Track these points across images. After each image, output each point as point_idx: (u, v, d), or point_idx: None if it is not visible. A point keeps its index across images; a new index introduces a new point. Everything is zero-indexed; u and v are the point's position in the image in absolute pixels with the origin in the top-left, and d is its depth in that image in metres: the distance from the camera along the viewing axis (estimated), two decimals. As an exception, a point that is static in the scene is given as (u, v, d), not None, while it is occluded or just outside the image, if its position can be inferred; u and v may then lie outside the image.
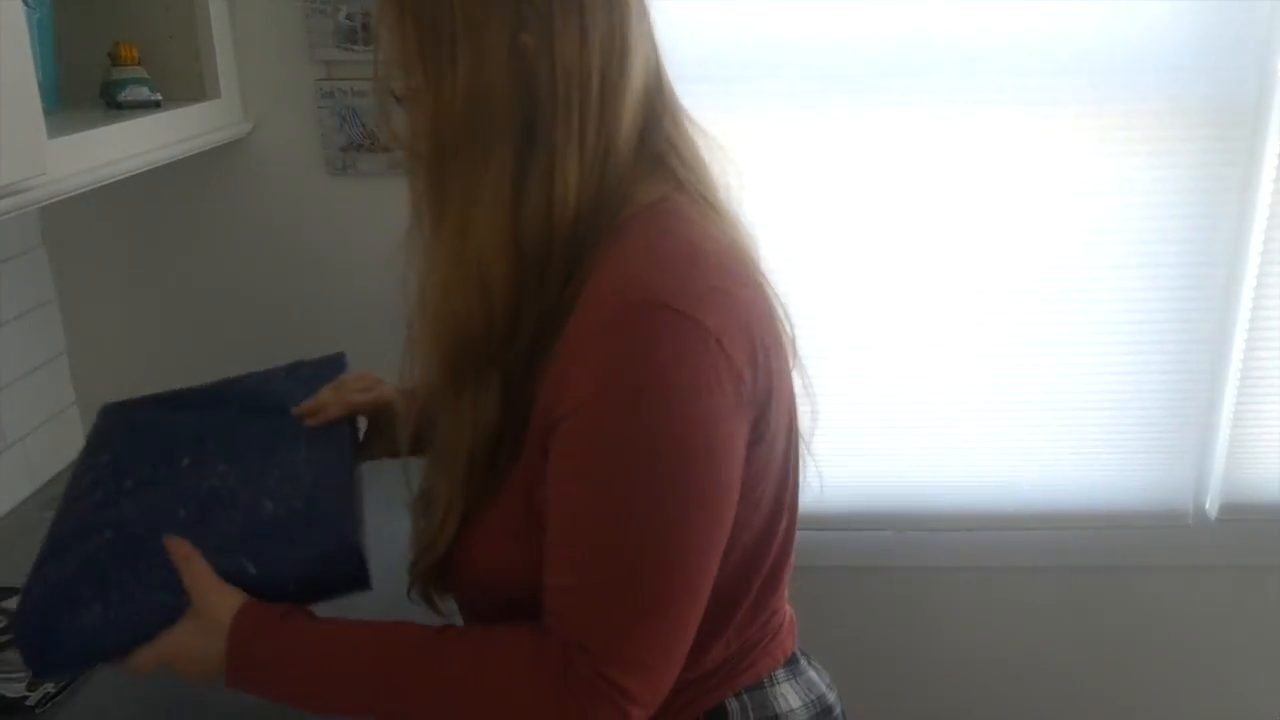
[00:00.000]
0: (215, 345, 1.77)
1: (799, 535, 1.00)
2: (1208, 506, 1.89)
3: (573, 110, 0.84)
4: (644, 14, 0.89)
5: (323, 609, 0.96)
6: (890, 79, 1.64)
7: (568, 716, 0.83)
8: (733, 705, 0.98)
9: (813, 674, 1.07)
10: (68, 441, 1.78)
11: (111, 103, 1.40)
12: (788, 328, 0.94)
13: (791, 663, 1.04)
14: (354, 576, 0.98)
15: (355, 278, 1.72)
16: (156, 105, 1.42)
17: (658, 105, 0.91)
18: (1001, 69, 1.63)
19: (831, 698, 1.07)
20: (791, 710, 1.01)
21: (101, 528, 1.00)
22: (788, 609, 1.06)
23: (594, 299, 0.83)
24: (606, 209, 0.87)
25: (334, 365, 1.26)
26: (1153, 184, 1.69)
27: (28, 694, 1.17)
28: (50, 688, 1.18)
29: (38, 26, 1.25)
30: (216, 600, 0.92)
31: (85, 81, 1.43)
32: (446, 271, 0.88)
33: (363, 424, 1.20)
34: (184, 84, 1.53)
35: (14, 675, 1.20)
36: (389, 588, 1.01)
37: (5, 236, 1.61)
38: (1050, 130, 1.66)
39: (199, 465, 1.07)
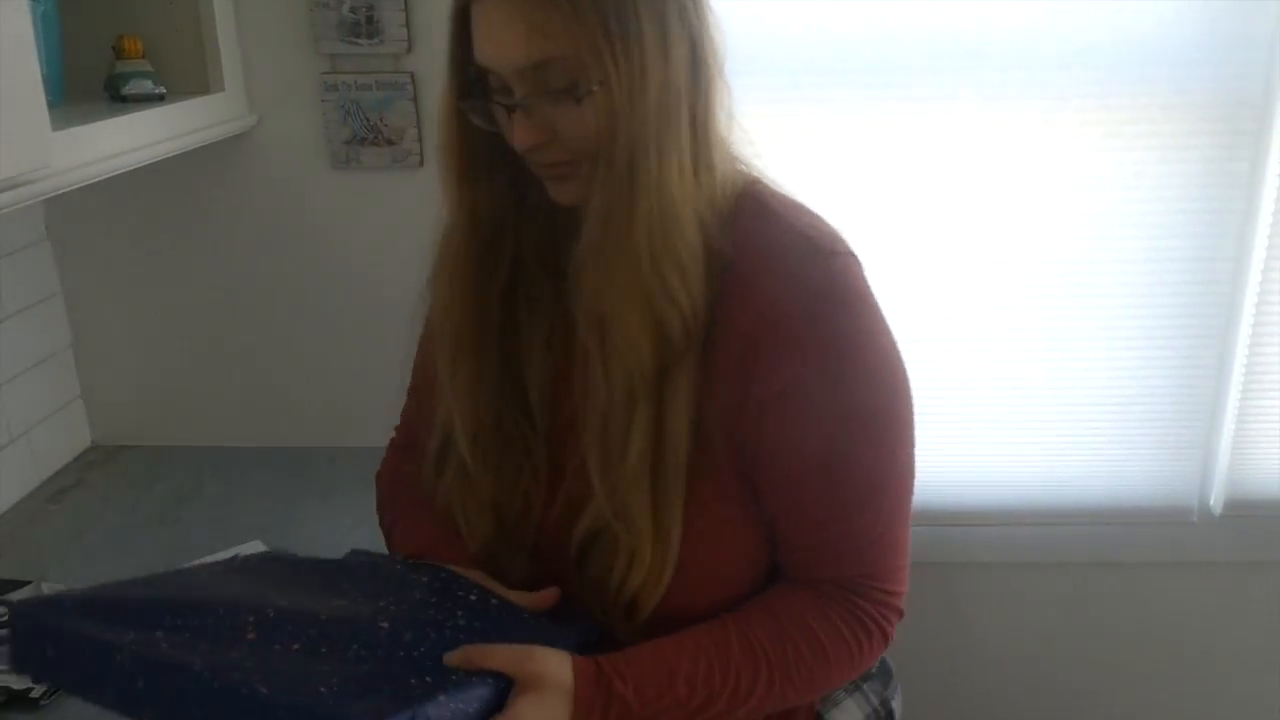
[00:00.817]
0: (219, 338, 1.77)
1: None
2: (1212, 502, 1.88)
3: (716, 79, 0.88)
4: None
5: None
6: (895, 74, 1.63)
7: (871, 638, 0.94)
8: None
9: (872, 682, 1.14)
10: (72, 435, 1.78)
11: (115, 96, 1.40)
12: None
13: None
14: None
15: (358, 270, 1.72)
16: (160, 98, 1.41)
17: None
18: (1008, 63, 1.62)
19: (883, 693, 1.13)
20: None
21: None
22: None
23: (779, 264, 0.88)
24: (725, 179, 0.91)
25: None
26: (1160, 179, 1.68)
27: (33, 687, 1.18)
28: None
29: (42, 19, 1.25)
30: (543, 666, 0.83)
31: (89, 75, 1.44)
32: (653, 263, 0.84)
33: None
34: (188, 77, 1.53)
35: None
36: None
37: (9, 230, 1.61)
38: (1057, 125, 1.65)
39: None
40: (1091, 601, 1.95)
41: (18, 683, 1.18)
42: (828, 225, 0.92)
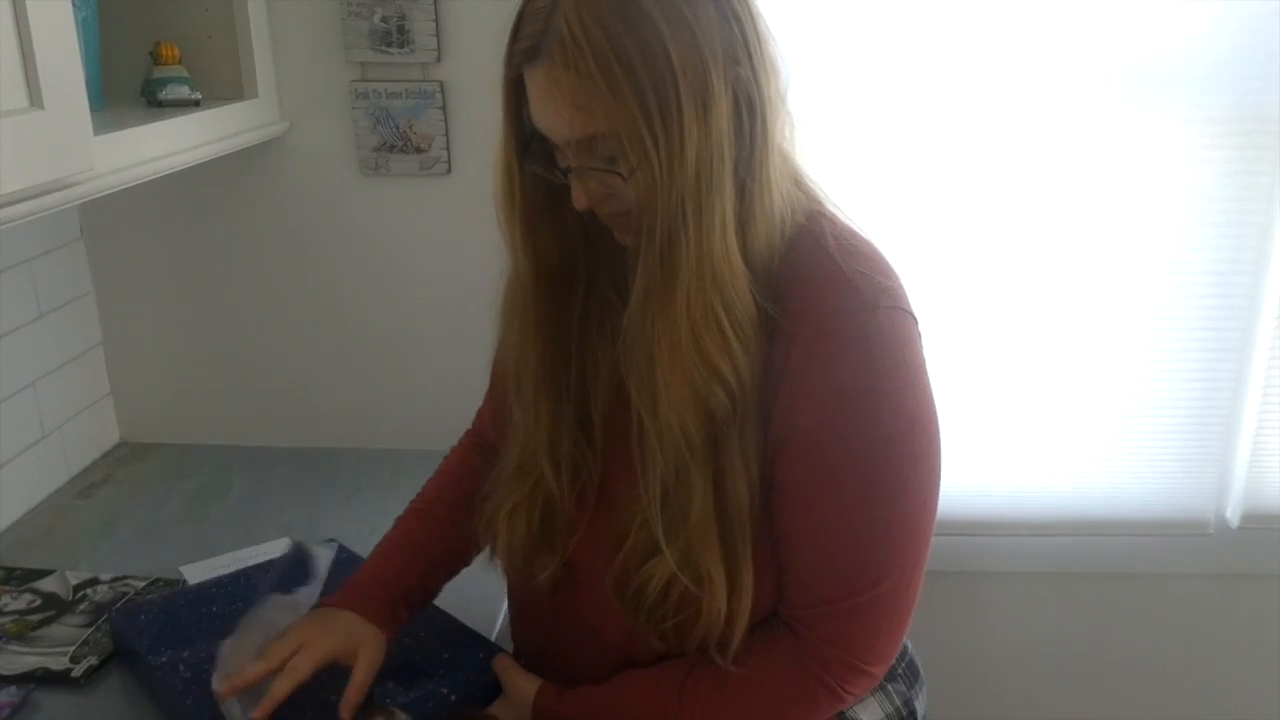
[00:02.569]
0: (247, 339, 1.80)
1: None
2: (1229, 515, 1.88)
3: (775, 121, 0.87)
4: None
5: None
6: (922, 89, 1.65)
7: (833, 697, 0.94)
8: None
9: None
10: (103, 431, 1.81)
11: (152, 101, 1.42)
12: None
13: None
14: None
15: (385, 275, 1.74)
16: (196, 104, 1.44)
17: None
18: (1030, 77, 1.63)
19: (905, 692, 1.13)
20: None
21: None
22: None
23: (821, 311, 0.87)
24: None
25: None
26: (1180, 192, 1.69)
27: (72, 666, 1.21)
28: (93, 660, 1.22)
29: (83, 26, 1.28)
30: (521, 685, 1.05)
31: (127, 80, 1.46)
32: (697, 336, 0.84)
33: None
34: (223, 83, 1.56)
35: (56, 649, 1.24)
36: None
37: (46, 230, 1.64)
38: (1078, 139, 1.67)
39: None
40: (1108, 612, 1.96)
41: (56, 663, 1.22)
42: (880, 273, 0.90)
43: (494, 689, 1.09)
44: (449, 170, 1.68)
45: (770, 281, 0.88)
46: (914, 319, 0.91)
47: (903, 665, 1.09)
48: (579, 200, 0.88)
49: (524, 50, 0.84)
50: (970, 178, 1.70)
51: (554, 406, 0.99)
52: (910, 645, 1.10)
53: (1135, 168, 1.68)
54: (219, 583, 1.28)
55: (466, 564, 1.17)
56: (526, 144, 0.90)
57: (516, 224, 0.94)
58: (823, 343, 0.86)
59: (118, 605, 1.31)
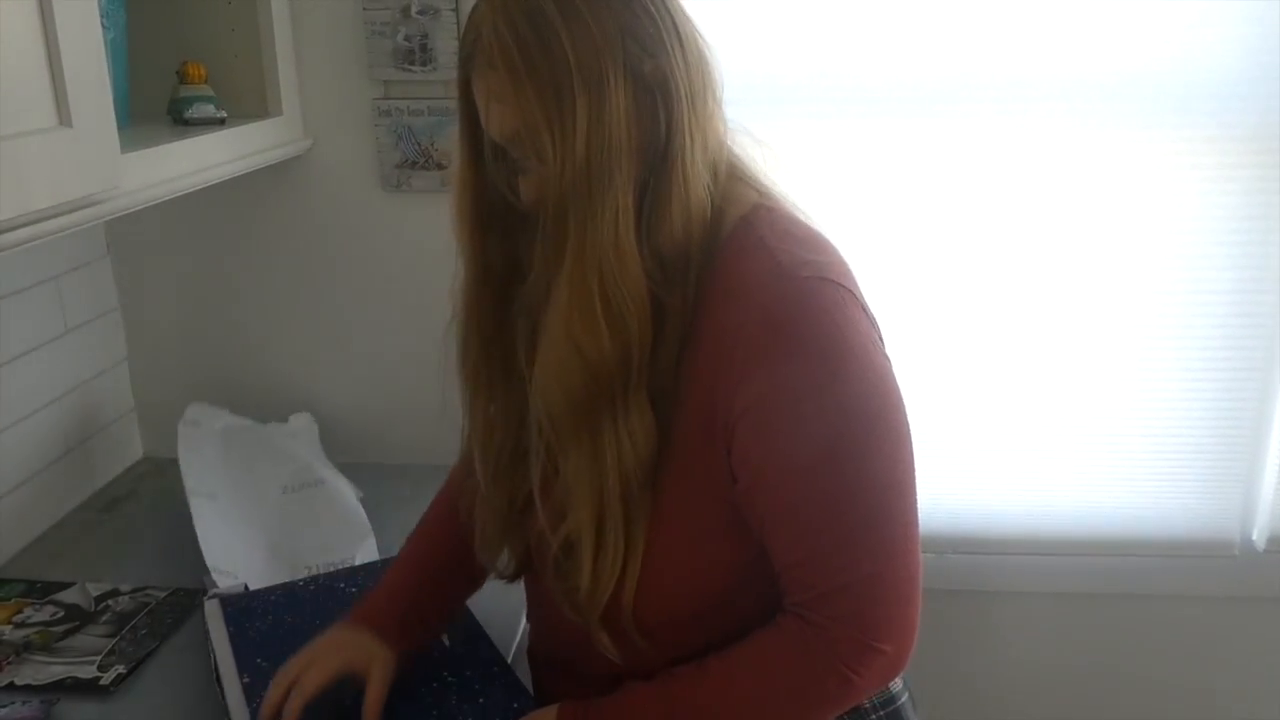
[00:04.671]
0: (269, 355, 1.82)
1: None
2: (1255, 537, 1.87)
3: (692, 119, 0.89)
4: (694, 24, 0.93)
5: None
6: (938, 103, 1.65)
7: (845, 683, 0.92)
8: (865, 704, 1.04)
9: None
10: (127, 446, 1.83)
11: (179, 119, 1.44)
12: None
13: None
14: None
15: (408, 290, 1.76)
16: (221, 122, 1.46)
17: None
18: (1050, 94, 1.63)
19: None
20: (900, 689, 1.08)
21: None
22: None
23: (746, 289, 0.89)
24: (717, 211, 0.93)
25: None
26: (1202, 211, 1.68)
27: (100, 674, 1.22)
28: (121, 668, 1.24)
29: (111, 46, 1.30)
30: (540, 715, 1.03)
31: (154, 99, 1.48)
32: (569, 313, 0.88)
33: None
34: (248, 102, 1.58)
35: (83, 659, 1.26)
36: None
37: (73, 247, 1.66)
38: (1099, 156, 1.66)
39: None
40: (1130, 634, 1.94)
41: (84, 671, 1.23)
42: (811, 250, 0.92)
43: None
44: (470, 188, 1.69)
45: (684, 271, 0.90)
46: (846, 290, 0.91)
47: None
48: (525, 195, 0.93)
49: (462, 58, 0.92)
50: (991, 195, 1.69)
51: (487, 403, 1.04)
52: (906, 692, 1.09)
53: (1158, 186, 1.67)
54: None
55: (481, 576, 1.18)
56: (484, 150, 0.95)
57: (466, 232, 0.99)
58: (749, 322, 0.88)
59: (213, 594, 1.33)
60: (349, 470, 1.78)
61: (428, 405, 1.78)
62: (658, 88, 0.87)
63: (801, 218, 0.98)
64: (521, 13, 0.85)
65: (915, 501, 0.92)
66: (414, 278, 1.75)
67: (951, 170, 1.68)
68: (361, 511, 1.54)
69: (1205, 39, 1.59)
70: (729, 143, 0.98)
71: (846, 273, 0.94)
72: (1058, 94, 1.63)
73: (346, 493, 1.58)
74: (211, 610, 1.26)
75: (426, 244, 1.73)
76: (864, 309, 0.92)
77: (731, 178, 0.97)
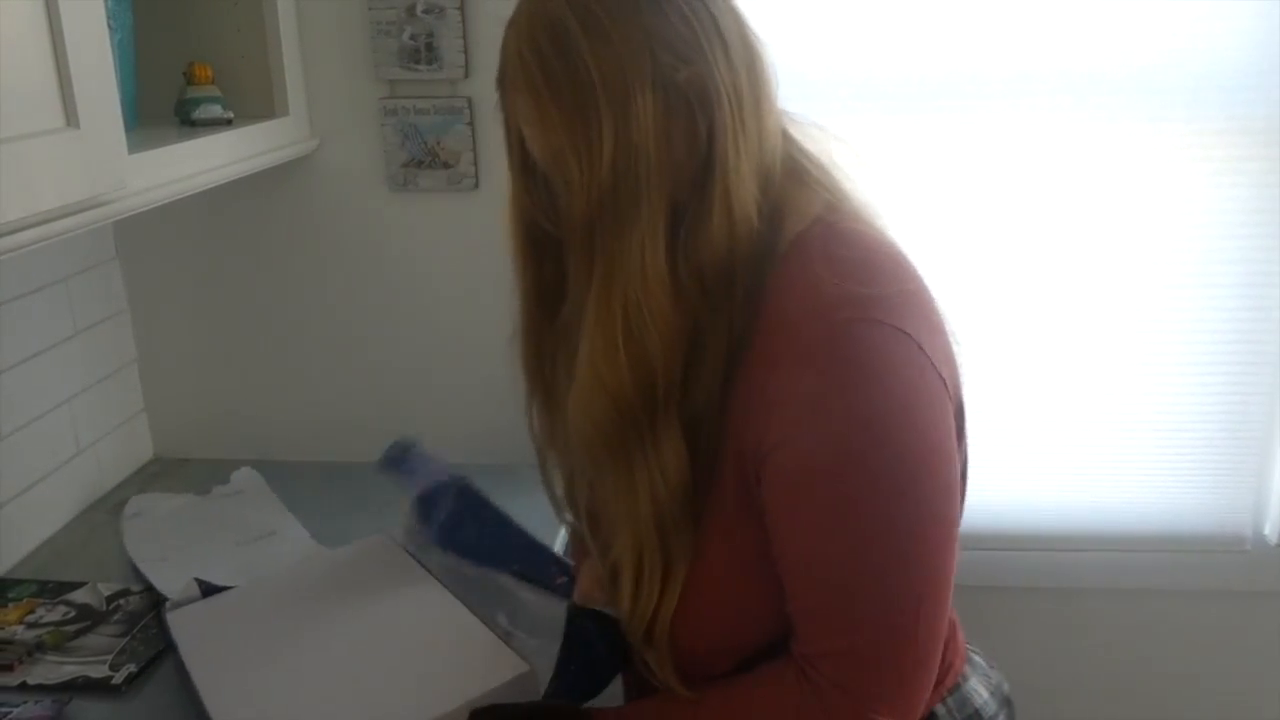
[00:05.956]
0: (279, 354, 1.82)
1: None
2: (1267, 531, 1.86)
3: (738, 125, 0.84)
4: (746, 18, 0.89)
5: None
6: (946, 97, 1.64)
7: None
8: (941, 711, 1.00)
9: (981, 661, 1.09)
10: (136, 447, 1.83)
11: (186, 120, 1.45)
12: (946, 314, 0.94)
13: (969, 658, 1.07)
14: None
15: (414, 290, 1.76)
16: (228, 123, 1.46)
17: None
18: (1059, 87, 1.63)
19: (998, 677, 1.09)
20: (985, 702, 1.04)
21: None
22: None
23: (793, 323, 0.84)
24: (772, 223, 0.88)
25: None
26: (1212, 203, 1.67)
27: (112, 674, 1.23)
28: (133, 668, 1.24)
29: (118, 47, 1.30)
30: None
31: (161, 100, 1.49)
32: (593, 341, 0.85)
33: None
34: (254, 102, 1.58)
35: (95, 658, 1.26)
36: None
37: (81, 249, 1.66)
38: (1108, 149, 1.66)
39: None
40: (1140, 630, 1.93)
41: (95, 671, 1.23)
42: (862, 282, 0.84)
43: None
44: (476, 185, 1.69)
45: (729, 290, 0.86)
46: (891, 329, 0.82)
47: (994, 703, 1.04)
48: (561, 217, 0.90)
49: (497, 80, 0.89)
50: (999, 187, 1.69)
51: (551, 418, 1.03)
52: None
53: (1167, 180, 1.67)
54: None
55: None
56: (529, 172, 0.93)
57: (517, 249, 0.97)
58: (784, 360, 0.83)
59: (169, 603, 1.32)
60: (349, 469, 1.78)
61: (438, 404, 1.80)
62: (695, 97, 0.82)
63: (869, 231, 0.91)
64: (544, 33, 0.82)
65: (940, 574, 0.85)
66: (421, 276, 1.75)
67: (959, 165, 1.68)
68: (322, 550, 1.51)
69: (1214, 32, 1.59)
70: (799, 138, 0.93)
71: (900, 305, 0.84)
72: (1066, 87, 1.63)
73: (302, 537, 1.55)
74: (175, 620, 1.25)
75: (433, 243, 1.73)
76: (919, 347, 0.83)
77: (794, 182, 0.91)
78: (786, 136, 0.92)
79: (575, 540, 1.13)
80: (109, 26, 1.09)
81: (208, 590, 1.29)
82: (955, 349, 0.91)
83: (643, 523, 0.89)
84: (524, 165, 0.92)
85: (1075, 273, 1.72)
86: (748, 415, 0.85)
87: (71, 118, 1.01)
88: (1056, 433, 1.81)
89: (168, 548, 1.51)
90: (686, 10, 0.83)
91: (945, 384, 0.85)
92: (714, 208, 0.84)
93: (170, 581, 1.37)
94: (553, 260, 0.96)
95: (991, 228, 1.71)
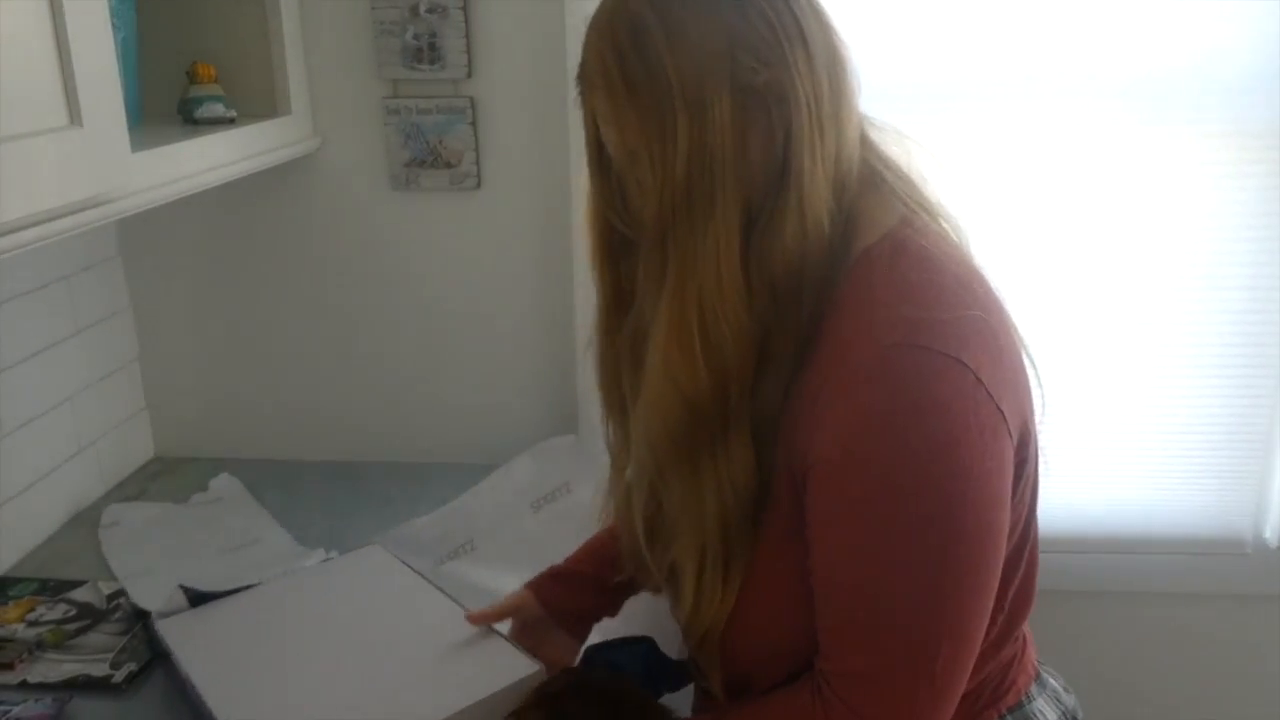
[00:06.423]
0: (280, 353, 1.82)
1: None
2: (1268, 535, 1.85)
3: (815, 130, 0.83)
4: (831, 19, 0.87)
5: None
6: (949, 100, 1.64)
7: None
8: None
9: (1054, 683, 1.08)
10: (138, 445, 1.84)
11: (189, 119, 1.45)
12: (1021, 336, 0.93)
13: (1039, 677, 1.05)
14: None
15: (416, 289, 1.76)
16: (231, 122, 1.46)
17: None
18: (1062, 91, 1.63)
19: (1072, 701, 1.08)
20: None
21: None
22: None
23: (846, 341, 0.82)
24: (845, 233, 0.87)
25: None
26: (1215, 207, 1.67)
27: (112, 672, 1.23)
28: (133, 666, 1.24)
29: (122, 46, 1.30)
30: None
31: (164, 98, 1.49)
32: (667, 344, 0.84)
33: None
34: (257, 101, 1.58)
35: (95, 656, 1.26)
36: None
37: (84, 247, 1.66)
38: (1113, 153, 1.66)
39: None
40: (1140, 631, 1.93)
41: (96, 669, 1.23)
42: (927, 310, 0.81)
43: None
44: (479, 185, 1.69)
45: (796, 298, 0.84)
46: (946, 358, 0.79)
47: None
48: (636, 219, 0.89)
49: (576, 78, 0.88)
50: (1001, 191, 1.69)
51: (618, 428, 1.02)
52: None
53: (1171, 182, 1.66)
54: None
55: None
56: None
57: (595, 253, 0.96)
58: (835, 376, 0.82)
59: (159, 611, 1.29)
60: (349, 469, 1.79)
61: (438, 403, 1.80)
62: (773, 101, 0.81)
63: (940, 249, 0.88)
64: (625, 31, 0.82)
65: (968, 618, 0.83)
66: (422, 276, 1.75)
67: (961, 168, 1.68)
68: (313, 558, 1.49)
69: (1219, 35, 1.58)
70: (879, 144, 0.92)
71: (958, 331, 0.81)
72: (1069, 91, 1.62)
73: (286, 543, 1.54)
74: (167, 629, 1.22)
75: (435, 243, 1.73)
76: (975, 379, 0.80)
77: (870, 190, 0.89)
78: (866, 142, 0.91)
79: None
80: (112, 25, 1.08)
81: (195, 597, 1.25)
82: (1027, 377, 0.90)
83: (709, 523, 0.88)
84: (600, 165, 0.92)
85: (1078, 276, 1.72)
86: (796, 428, 0.84)
87: (75, 116, 1.01)
88: (1057, 434, 1.81)
89: (151, 559, 1.48)
90: (769, 11, 0.81)
91: (1004, 416, 0.82)
92: (788, 213, 0.83)
93: (155, 595, 1.32)
94: (628, 265, 0.95)
95: (994, 232, 1.71)
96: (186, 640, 1.19)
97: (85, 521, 1.63)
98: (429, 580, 1.29)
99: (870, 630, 0.83)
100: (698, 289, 0.82)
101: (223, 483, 1.73)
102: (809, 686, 0.88)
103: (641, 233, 0.87)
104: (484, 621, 1.15)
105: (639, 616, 1.19)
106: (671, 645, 1.13)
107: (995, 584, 0.85)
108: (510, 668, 1.09)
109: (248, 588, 1.28)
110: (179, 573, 1.36)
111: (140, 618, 1.33)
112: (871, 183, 0.90)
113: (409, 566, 1.32)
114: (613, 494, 1.05)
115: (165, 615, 1.24)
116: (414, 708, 1.05)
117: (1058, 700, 1.06)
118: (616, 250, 0.95)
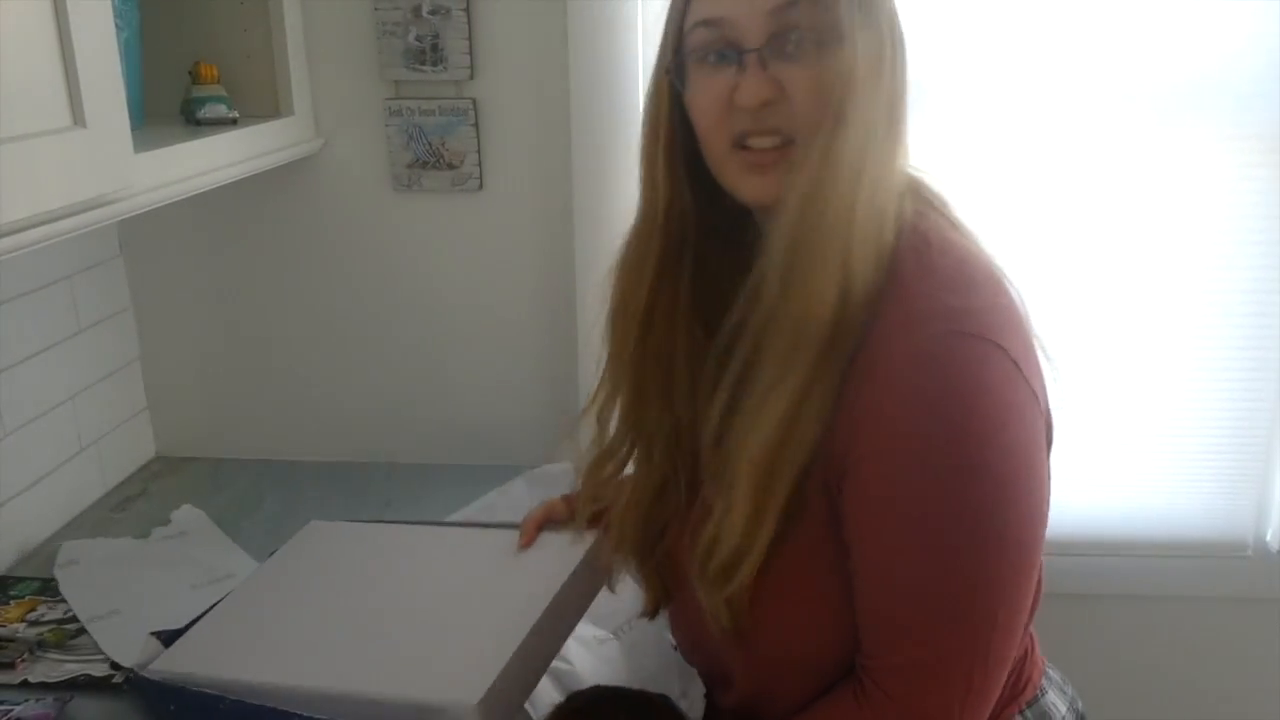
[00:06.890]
0: (282, 354, 1.82)
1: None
2: (1269, 538, 1.85)
3: (899, 91, 0.86)
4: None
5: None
6: (953, 101, 1.64)
7: None
8: None
9: (1056, 676, 1.08)
10: (139, 445, 1.84)
11: (191, 119, 1.45)
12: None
13: (1046, 672, 1.06)
14: None
15: (418, 290, 1.76)
16: (234, 122, 1.46)
17: None
18: (1067, 94, 1.63)
19: (1071, 691, 1.09)
20: (1064, 717, 1.03)
21: None
22: None
23: (880, 334, 0.81)
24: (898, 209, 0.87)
25: None
26: (1220, 210, 1.67)
27: (113, 672, 1.23)
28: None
29: (125, 46, 1.30)
30: None
31: (167, 99, 1.49)
32: (817, 244, 0.81)
33: None
34: (259, 102, 1.58)
35: (96, 657, 1.26)
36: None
37: (86, 246, 1.66)
38: (1117, 156, 1.65)
39: None
40: (1141, 635, 1.93)
41: (97, 669, 1.23)
42: (961, 297, 0.83)
43: None
44: (481, 186, 1.69)
45: (864, 272, 0.83)
46: (989, 344, 0.80)
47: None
48: (755, 90, 0.83)
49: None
50: (1006, 195, 1.68)
51: (642, 377, 0.97)
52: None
53: (1174, 185, 1.66)
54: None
55: None
56: (682, 56, 0.88)
57: (658, 161, 0.92)
58: (878, 369, 0.81)
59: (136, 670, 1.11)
60: (350, 469, 1.79)
61: (440, 404, 1.80)
62: (900, 50, 0.86)
63: (963, 240, 0.90)
64: None
65: (1017, 598, 0.84)
66: (424, 277, 1.75)
67: (965, 170, 1.67)
68: (261, 558, 1.40)
69: (1224, 38, 1.58)
70: None
71: (995, 319, 0.83)
72: (1074, 95, 1.62)
73: None
74: (158, 670, 1.06)
75: (437, 244, 1.73)
76: (1014, 364, 0.81)
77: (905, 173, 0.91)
78: None
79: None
80: (116, 25, 1.09)
81: (169, 639, 1.10)
82: (1045, 365, 0.90)
83: (767, 447, 0.83)
84: (690, 141, 0.89)
85: (1081, 278, 1.72)
86: (835, 425, 0.83)
87: (78, 116, 1.01)
88: (1058, 436, 1.81)
89: (115, 599, 1.36)
90: None
91: (1039, 400, 0.84)
92: (898, 158, 0.87)
93: (123, 641, 1.23)
94: (687, 184, 0.92)
95: (997, 233, 1.70)
96: (196, 666, 1.04)
97: (86, 522, 1.63)
98: (398, 522, 1.27)
99: (928, 618, 0.82)
100: (873, 203, 0.82)
101: (185, 515, 1.63)
102: (849, 690, 0.88)
103: (806, 125, 0.83)
104: (534, 534, 1.12)
105: (648, 671, 1.16)
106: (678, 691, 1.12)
107: (1039, 565, 0.86)
108: (572, 544, 1.08)
109: (214, 605, 1.16)
110: (148, 615, 1.25)
111: (117, 669, 1.23)
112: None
113: (364, 521, 1.29)
114: (592, 476, 1.03)
115: (144, 666, 1.07)
116: (503, 622, 0.98)
117: (1063, 692, 1.07)
118: (679, 249, 0.93)
